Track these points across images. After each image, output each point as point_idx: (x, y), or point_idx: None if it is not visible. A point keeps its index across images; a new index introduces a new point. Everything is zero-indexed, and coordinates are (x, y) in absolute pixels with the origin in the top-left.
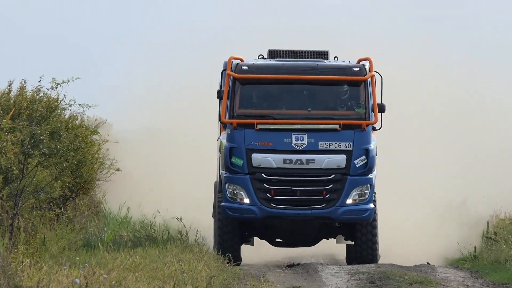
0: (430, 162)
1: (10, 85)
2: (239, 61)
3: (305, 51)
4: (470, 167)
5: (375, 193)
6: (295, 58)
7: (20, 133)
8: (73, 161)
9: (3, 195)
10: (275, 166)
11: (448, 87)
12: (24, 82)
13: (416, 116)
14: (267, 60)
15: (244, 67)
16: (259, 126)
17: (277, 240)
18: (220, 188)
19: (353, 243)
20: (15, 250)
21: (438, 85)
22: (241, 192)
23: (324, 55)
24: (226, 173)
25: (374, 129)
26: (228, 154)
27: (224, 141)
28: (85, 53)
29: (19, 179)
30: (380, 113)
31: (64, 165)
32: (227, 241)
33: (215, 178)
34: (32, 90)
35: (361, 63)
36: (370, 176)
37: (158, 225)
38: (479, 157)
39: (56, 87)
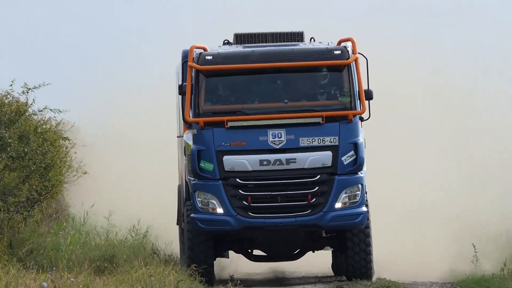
0: (423, 157)
1: None
2: (202, 50)
3: (276, 33)
4: (471, 172)
5: (366, 193)
6: (266, 42)
7: None
8: (41, 164)
9: None
10: (250, 169)
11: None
12: None
13: (406, 106)
14: (233, 46)
15: (208, 57)
16: (229, 124)
17: (255, 254)
18: (187, 196)
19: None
20: None
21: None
22: (213, 201)
23: (298, 36)
24: (194, 180)
25: (361, 119)
26: (196, 158)
27: (190, 143)
28: (52, 57)
29: None
30: (367, 101)
31: (32, 168)
32: (198, 255)
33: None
34: (1, 94)
35: (343, 44)
36: (360, 174)
37: (124, 230)
38: (478, 161)
39: (27, 92)
